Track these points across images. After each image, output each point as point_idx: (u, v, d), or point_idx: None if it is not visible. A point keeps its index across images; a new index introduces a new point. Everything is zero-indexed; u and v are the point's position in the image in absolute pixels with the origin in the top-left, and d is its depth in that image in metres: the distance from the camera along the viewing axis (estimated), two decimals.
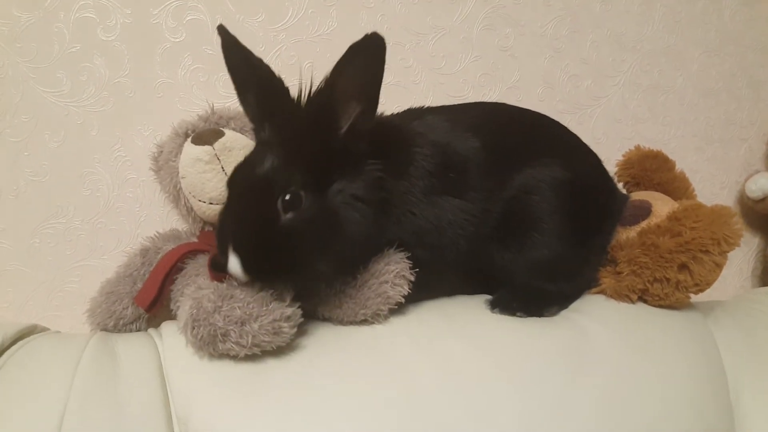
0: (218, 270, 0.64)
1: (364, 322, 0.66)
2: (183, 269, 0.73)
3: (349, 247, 0.62)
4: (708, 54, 1.12)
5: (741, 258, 1.18)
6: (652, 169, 0.87)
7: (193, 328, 0.59)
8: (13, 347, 0.63)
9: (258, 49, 0.86)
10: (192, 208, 0.77)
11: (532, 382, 0.64)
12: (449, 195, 0.67)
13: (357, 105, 0.60)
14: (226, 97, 0.87)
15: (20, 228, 0.83)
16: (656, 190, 0.85)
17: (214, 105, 0.80)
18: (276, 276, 0.61)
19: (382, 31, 0.90)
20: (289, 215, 0.58)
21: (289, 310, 0.61)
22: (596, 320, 0.72)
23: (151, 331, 0.70)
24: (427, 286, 0.70)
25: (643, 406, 0.66)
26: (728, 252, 0.71)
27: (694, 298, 0.76)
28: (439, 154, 0.68)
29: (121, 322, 0.73)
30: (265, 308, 0.60)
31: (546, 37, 1.01)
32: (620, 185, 0.94)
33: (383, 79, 0.59)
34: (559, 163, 0.71)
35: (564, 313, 0.73)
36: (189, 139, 0.73)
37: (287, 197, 0.58)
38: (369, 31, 0.63)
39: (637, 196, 0.82)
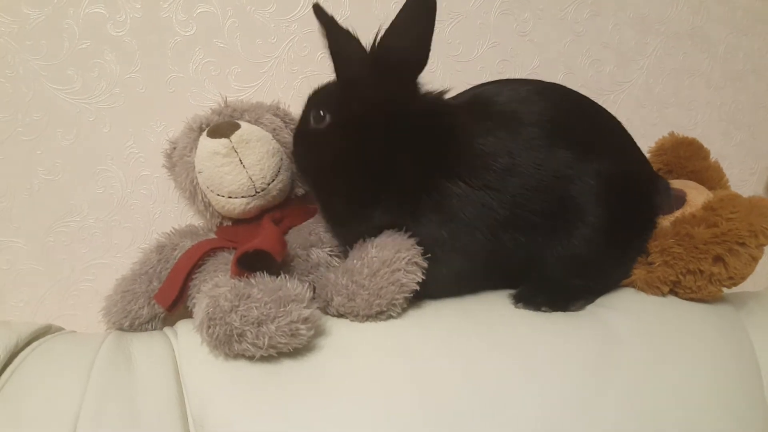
0: (244, 267, 0.62)
1: (380, 314, 0.64)
2: (202, 266, 0.72)
3: (340, 179, 0.68)
4: (735, 35, 1.08)
5: None
6: (686, 157, 0.84)
7: (209, 327, 0.58)
8: (28, 348, 0.63)
9: (270, 41, 0.86)
10: (210, 203, 0.75)
11: (557, 382, 0.62)
12: (479, 188, 0.64)
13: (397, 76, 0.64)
14: (238, 91, 0.86)
15: (34, 227, 0.82)
16: (689, 179, 0.82)
17: (227, 98, 0.78)
18: (306, 174, 0.74)
19: None
20: (314, 125, 0.68)
21: (306, 312, 0.59)
22: (624, 315, 0.69)
23: (166, 329, 0.69)
24: (443, 280, 0.68)
25: (672, 406, 0.63)
26: (765, 245, 0.68)
27: (726, 290, 0.73)
28: (483, 146, 0.65)
29: (137, 322, 0.72)
30: (282, 309, 0.58)
31: (566, 20, 0.98)
32: None
33: None
34: (612, 157, 0.68)
35: (590, 307, 0.71)
36: (204, 133, 0.72)
37: (314, 112, 0.68)
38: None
39: (671, 184, 0.79)
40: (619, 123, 0.74)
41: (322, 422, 0.56)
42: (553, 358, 0.64)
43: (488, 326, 0.67)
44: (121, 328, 0.72)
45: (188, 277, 0.70)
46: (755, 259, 0.69)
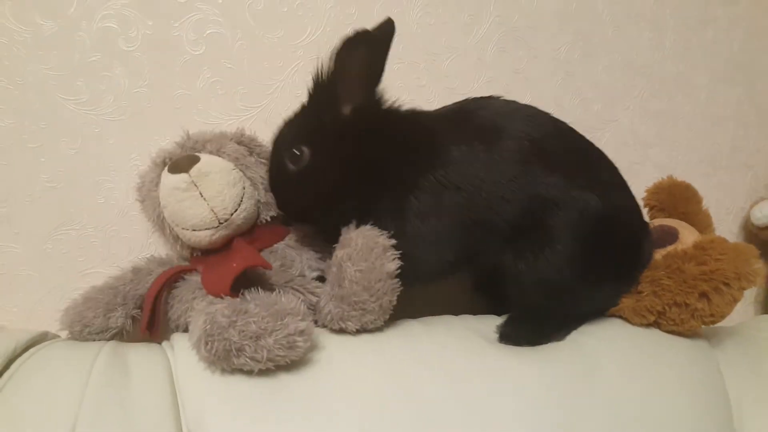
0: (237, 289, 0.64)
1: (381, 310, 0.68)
2: (174, 291, 0.73)
3: (327, 203, 0.72)
4: (717, 82, 1.14)
5: None
6: (681, 198, 0.89)
7: (207, 343, 0.59)
8: (25, 354, 0.63)
9: (277, 64, 0.89)
10: (178, 236, 0.76)
11: (541, 405, 0.65)
12: (454, 189, 0.69)
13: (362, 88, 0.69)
14: (243, 110, 0.88)
15: (33, 233, 0.83)
16: (680, 220, 0.87)
17: (189, 131, 0.79)
18: (296, 216, 0.78)
19: (398, 51, 0.93)
20: (293, 167, 0.71)
21: (303, 324, 0.61)
22: (603, 345, 0.72)
23: (164, 343, 0.70)
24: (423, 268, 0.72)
25: None
26: (746, 289, 0.72)
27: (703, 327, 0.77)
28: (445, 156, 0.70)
29: (86, 330, 0.71)
30: (279, 323, 0.60)
31: (559, 60, 1.03)
32: (645, 209, 0.95)
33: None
34: (598, 193, 0.71)
35: (573, 335, 0.74)
36: (166, 168, 0.72)
37: (288, 154, 0.71)
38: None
39: (664, 222, 0.83)
40: (615, 170, 0.78)
41: None
42: (534, 387, 0.67)
43: (476, 352, 0.70)
44: (71, 332, 0.72)
45: (157, 300, 0.71)
46: (735, 301, 0.73)
